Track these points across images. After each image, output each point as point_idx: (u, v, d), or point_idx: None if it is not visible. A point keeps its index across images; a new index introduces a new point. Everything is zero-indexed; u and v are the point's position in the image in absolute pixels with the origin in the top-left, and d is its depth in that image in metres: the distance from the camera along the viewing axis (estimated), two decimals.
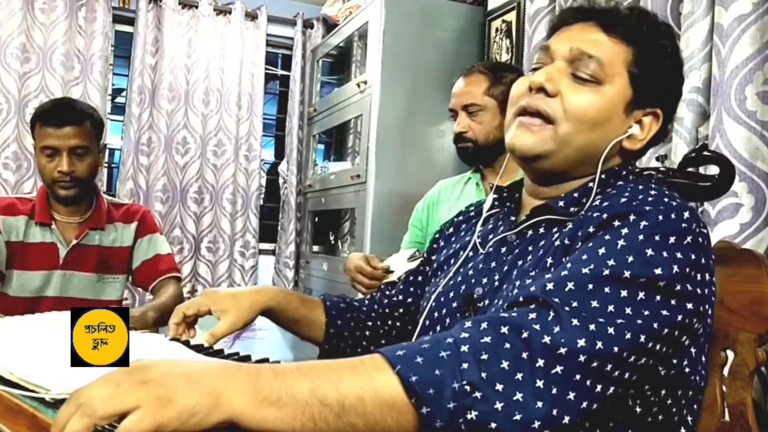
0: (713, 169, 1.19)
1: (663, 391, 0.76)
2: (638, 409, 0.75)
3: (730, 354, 1.12)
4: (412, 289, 1.15)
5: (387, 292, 1.18)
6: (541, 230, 0.88)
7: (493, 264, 0.91)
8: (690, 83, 1.64)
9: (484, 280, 0.90)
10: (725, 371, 1.12)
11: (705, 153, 1.14)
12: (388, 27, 2.73)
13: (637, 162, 1.12)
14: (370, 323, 1.14)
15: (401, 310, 1.14)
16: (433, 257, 1.12)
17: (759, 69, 1.50)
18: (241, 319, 1.01)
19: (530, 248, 0.87)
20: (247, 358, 0.90)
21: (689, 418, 0.80)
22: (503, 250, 0.91)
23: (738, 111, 1.51)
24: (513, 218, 0.95)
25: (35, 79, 3.21)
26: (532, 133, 0.86)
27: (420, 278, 1.15)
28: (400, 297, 1.15)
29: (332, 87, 3.66)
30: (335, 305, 1.13)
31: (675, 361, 0.74)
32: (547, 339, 0.62)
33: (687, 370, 0.76)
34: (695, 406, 0.81)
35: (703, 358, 0.79)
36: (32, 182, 3.18)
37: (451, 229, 1.14)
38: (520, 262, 0.86)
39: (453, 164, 2.76)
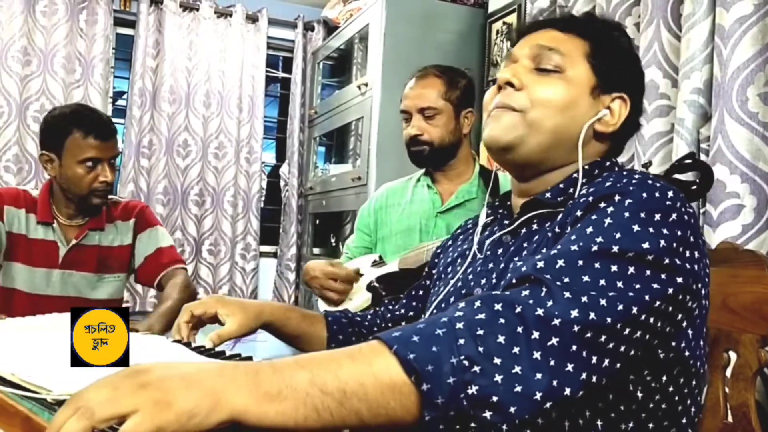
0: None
1: (664, 378, 0.76)
2: (640, 395, 0.75)
3: (733, 355, 1.11)
4: (414, 303, 1.17)
5: (390, 307, 1.20)
6: (534, 226, 0.90)
7: (491, 265, 0.92)
8: (691, 84, 1.64)
9: (483, 281, 0.92)
10: (728, 373, 1.12)
11: (687, 161, 1.17)
12: (388, 29, 2.74)
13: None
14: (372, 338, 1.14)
15: (404, 324, 1.15)
16: (434, 270, 1.14)
17: (761, 70, 1.49)
18: (246, 325, 1.04)
19: (525, 244, 0.88)
20: (248, 360, 0.90)
21: (692, 409, 0.80)
22: (500, 251, 0.93)
23: (740, 112, 1.51)
24: (507, 221, 0.97)
25: (36, 81, 3.22)
26: (501, 122, 0.90)
27: (422, 292, 1.17)
28: (403, 311, 1.17)
29: (333, 89, 3.67)
30: (337, 320, 1.14)
31: (673, 344, 0.75)
32: (540, 311, 0.63)
33: (686, 353, 0.76)
34: (698, 398, 0.81)
35: (702, 343, 0.80)
36: (33, 185, 3.18)
37: (450, 242, 1.16)
38: (516, 259, 0.88)
39: None
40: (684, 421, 0.79)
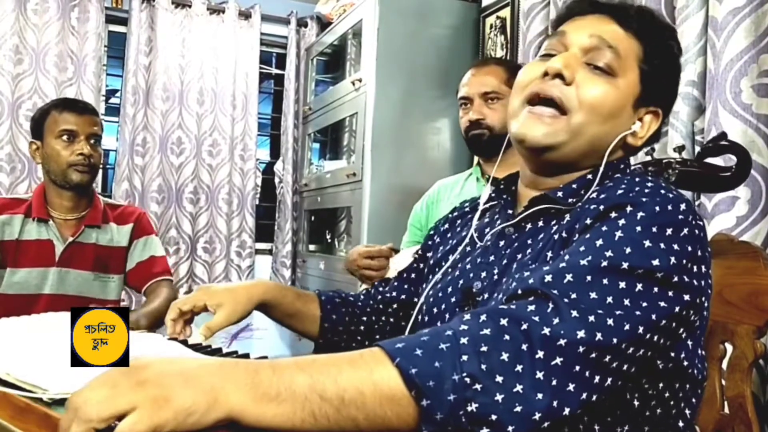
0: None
1: (661, 385, 0.76)
2: (636, 403, 0.75)
3: (729, 347, 1.12)
4: (406, 286, 1.15)
5: (381, 288, 1.18)
6: (540, 223, 0.87)
7: (492, 257, 0.90)
8: (685, 77, 1.64)
9: (483, 274, 0.90)
10: (724, 364, 1.12)
11: (723, 143, 1.13)
12: (382, 24, 2.73)
13: (655, 153, 1.13)
14: (365, 318, 1.14)
15: (395, 306, 1.14)
16: (429, 254, 1.12)
17: (754, 62, 1.50)
18: (236, 313, 1.00)
19: (529, 241, 0.86)
20: (245, 357, 0.89)
21: (687, 412, 0.80)
22: (502, 243, 0.91)
23: (733, 104, 1.51)
24: (510, 211, 0.95)
25: (28, 80, 3.20)
26: (544, 124, 0.85)
27: (414, 275, 1.15)
28: (394, 293, 1.15)
29: (327, 85, 3.66)
30: (330, 299, 1.13)
31: (673, 354, 0.74)
32: (546, 330, 0.62)
33: (685, 363, 0.76)
34: (693, 400, 0.81)
35: (700, 351, 0.79)
36: (26, 184, 3.16)
37: (446, 225, 1.14)
38: (519, 256, 0.86)
39: (449, 161, 2.76)
40: (681, 424, 0.79)
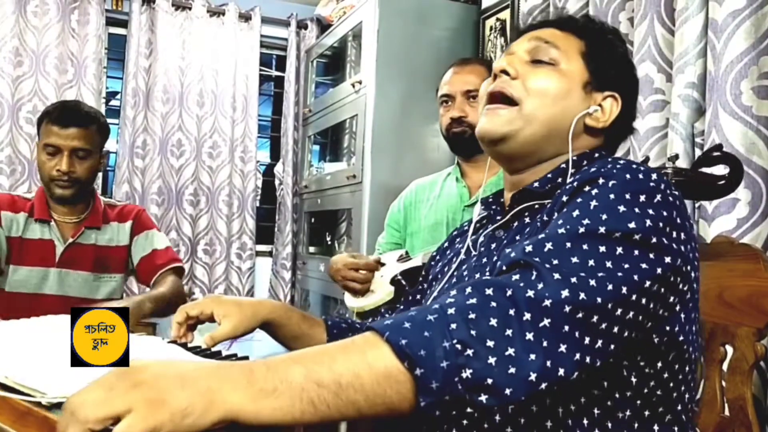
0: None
1: (659, 364, 0.77)
2: (634, 380, 0.76)
3: (729, 349, 1.12)
4: (411, 308, 1.16)
5: (387, 315, 1.19)
6: (527, 219, 0.91)
7: (485, 260, 0.94)
8: (685, 79, 1.65)
9: (477, 275, 0.92)
10: (724, 366, 1.12)
11: (716, 153, 1.16)
12: (382, 26, 2.73)
13: (655, 157, 1.15)
14: None
15: None
16: (429, 272, 1.14)
17: (754, 64, 1.50)
18: (241, 326, 1.02)
19: (517, 237, 0.89)
20: (245, 360, 0.89)
21: (686, 396, 0.81)
22: (493, 246, 0.94)
23: (734, 106, 1.51)
24: (499, 217, 0.99)
25: (28, 82, 3.20)
26: (499, 116, 0.92)
27: (419, 296, 1.16)
28: None
29: (327, 87, 3.66)
30: (336, 324, 1.14)
31: (667, 327, 0.75)
32: (531, 293, 0.64)
33: (680, 338, 0.77)
34: (692, 384, 0.82)
35: (695, 328, 0.80)
36: (26, 186, 3.17)
37: (446, 244, 1.17)
38: (508, 250, 0.88)
39: (448, 163, 2.75)
40: (679, 407, 0.80)
